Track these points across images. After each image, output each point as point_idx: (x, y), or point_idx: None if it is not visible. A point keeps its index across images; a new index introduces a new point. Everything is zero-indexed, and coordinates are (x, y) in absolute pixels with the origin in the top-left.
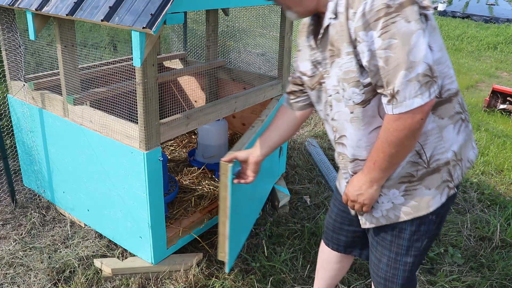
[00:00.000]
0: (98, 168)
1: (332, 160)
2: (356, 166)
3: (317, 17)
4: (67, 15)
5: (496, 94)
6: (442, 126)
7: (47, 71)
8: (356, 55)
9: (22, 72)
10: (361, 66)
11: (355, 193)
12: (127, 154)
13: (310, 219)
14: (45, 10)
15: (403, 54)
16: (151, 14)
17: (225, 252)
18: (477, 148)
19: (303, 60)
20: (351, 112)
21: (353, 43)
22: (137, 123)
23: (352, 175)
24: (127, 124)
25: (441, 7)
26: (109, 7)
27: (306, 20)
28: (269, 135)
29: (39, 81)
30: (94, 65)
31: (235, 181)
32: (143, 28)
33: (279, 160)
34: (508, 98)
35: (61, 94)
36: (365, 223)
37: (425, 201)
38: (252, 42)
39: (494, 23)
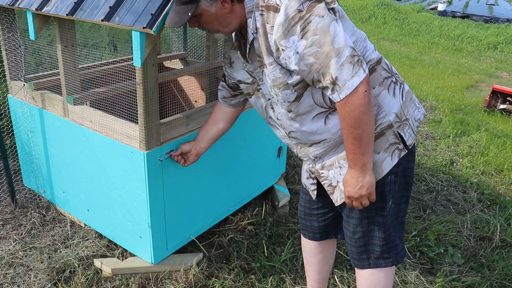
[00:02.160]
0: (98, 168)
1: None
2: (316, 149)
3: (240, 32)
4: (67, 15)
5: (496, 94)
6: (376, 94)
7: (47, 71)
8: (279, 63)
9: (22, 72)
10: (287, 71)
11: (356, 190)
12: (127, 154)
13: None
14: (45, 10)
15: (329, 45)
16: (151, 14)
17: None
18: (422, 108)
19: (239, 69)
20: (289, 111)
21: (274, 53)
22: (137, 123)
23: (314, 159)
24: (127, 124)
25: (441, 7)
26: (110, 7)
27: (226, 37)
28: (208, 130)
29: (39, 81)
30: (94, 65)
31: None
32: (143, 28)
33: (279, 160)
34: (508, 98)
35: (61, 94)
36: (337, 200)
37: (378, 165)
38: None
39: (494, 23)
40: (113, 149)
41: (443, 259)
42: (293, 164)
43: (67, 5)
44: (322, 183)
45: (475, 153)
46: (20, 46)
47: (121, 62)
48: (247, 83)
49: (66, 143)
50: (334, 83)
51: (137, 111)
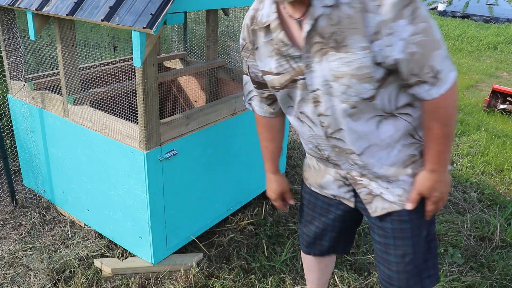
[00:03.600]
0: (98, 168)
1: None
2: (369, 156)
3: (278, 11)
4: (67, 15)
5: (496, 94)
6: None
7: (47, 70)
8: (372, 50)
9: (22, 72)
10: (374, 62)
11: (445, 191)
12: (127, 154)
13: None
14: (45, 10)
15: (433, 35)
16: (151, 14)
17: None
18: None
19: (263, 58)
20: (353, 107)
21: (372, 37)
22: (137, 123)
23: (353, 165)
24: (127, 124)
25: (441, 7)
26: (110, 7)
27: (261, 17)
28: (273, 151)
29: (39, 81)
30: (94, 65)
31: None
32: (144, 28)
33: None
34: (508, 98)
35: (61, 94)
36: (375, 210)
37: None
38: None
39: (494, 23)
40: (113, 149)
41: (443, 259)
42: (293, 164)
43: (67, 5)
44: (359, 191)
45: (475, 153)
46: (20, 46)
47: (121, 62)
48: (276, 74)
49: (66, 143)
50: (435, 77)
51: (137, 111)
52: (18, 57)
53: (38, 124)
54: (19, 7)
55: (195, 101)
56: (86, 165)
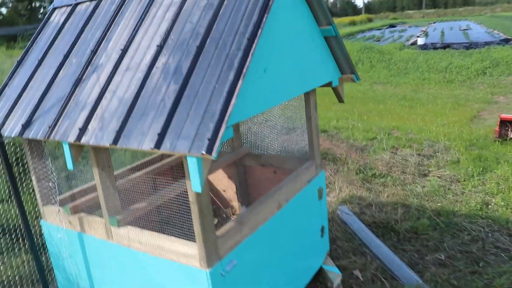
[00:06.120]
0: None
1: (370, 225)
2: None
3: None
4: (110, 144)
5: (505, 123)
6: None
7: (77, 184)
8: None
9: (56, 197)
10: None
11: None
12: (187, 274)
13: None
14: (84, 140)
15: None
16: (208, 139)
17: None
18: None
19: None
20: None
21: None
22: (189, 237)
23: None
24: (182, 242)
25: (420, 41)
26: (158, 134)
27: None
28: None
29: (75, 204)
30: (118, 173)
31: None
32: (202, 154)
33: (322, 239)
34: None
35: (100, 214)
36: None
37: None
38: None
39: (474, 48)
40: (169, 269)
41: None
42: (332, 237)
43: (107, 134)
44: None
45: (505, 189)
46: (52, 172)
47: (147, 166)
48: None
49: (114, 266)
50: None
51: (184, 219)
52: (51, 183)
53: (78, 248)
54: (55, 139)
55: (224, 191)
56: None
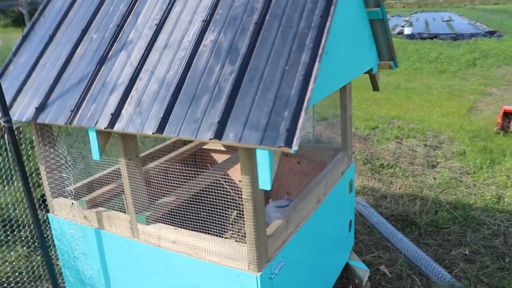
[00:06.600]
0: None
1: (388, 218)
2: None
3: None
4: (154, 133)
5: (507, 115)
6: None
7: (86, 175)
8: None
9: (70, 190)
10: None
11: None
12: (233, 278)
13: None
14: (119, 127)
15: None
16: (286, 129)
17: None
18: None
19: None
20: None
21: None
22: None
23: None
24: (228, 243)
25: (407, 30)
26: (218, 122)
27: None
28: None
29: (92, 197)
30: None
31: None
32: (280, 147)
33: (349, 234)
34: None
35: (118, 206)
36: None
37: None
38: None
39: (461, 39)
40: (207, 272)
41: None
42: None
43: (149, 120)
44: None
45: None
46: (66, 162)
47: (169, 152)
48: None
49: (137, 266)
50: None
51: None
52: (64, 174)
53: (95, 246)
54: (80, 125)
55: (240, 181)
56: None
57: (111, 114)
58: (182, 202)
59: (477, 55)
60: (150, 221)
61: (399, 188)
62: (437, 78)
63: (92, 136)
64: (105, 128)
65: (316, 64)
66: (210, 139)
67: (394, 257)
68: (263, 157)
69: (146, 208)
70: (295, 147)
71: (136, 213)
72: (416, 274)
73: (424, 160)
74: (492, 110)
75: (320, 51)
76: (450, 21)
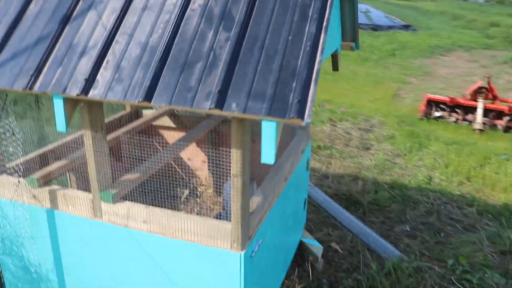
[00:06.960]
0: (163, 279)
1: (332, 197)
2: None
3: None
4: (140, 101)
5: (430, 103)
6: None
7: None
8: None
9: (16, 165)
10: None
11: None
12: (212, 258)
13: (354, 269)
14: (95, 94)
15: None
16: (298, 100)
17: None
18: None
19: None
20: None
21: None
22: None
23: None
24: (209, 221)
25: None
26: (218, 91)
27: None
28: None
29: (44, 173)
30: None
31: None
32: (291, 118)
33: (304, 212)
34: (441, 106)
35: (83, 188)
36: None
37: None
38: None
39: (379, 30)
40: (186, 253)
41: (485, 283)
42: None
43: (132, 87)
44: None
45: (441, 164)
46: (14, 134)
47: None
48: None
49: (100, 250)
50: None
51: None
52: (11, 147)
53: (46, 230)
54: (43, 91)
55: (189, 159)
56: (138, 276)
57: (85, 80)
58: (146, 179)
59: (395, 46)
60: (116, 199)
61: (339, 169)
62: (361, 65)
63: (58, 104)
64: (77, 95)
65: (322, 35)
66: (209, 108)
67: (343, 234)
68: (269, 129)
69: (111, 185)
70: (308, 119)
71: (101, 191)
72: (366, 250)
73: (358, 142)
74: (412, 98)
75: (325, 23)
76: (368, 12)
